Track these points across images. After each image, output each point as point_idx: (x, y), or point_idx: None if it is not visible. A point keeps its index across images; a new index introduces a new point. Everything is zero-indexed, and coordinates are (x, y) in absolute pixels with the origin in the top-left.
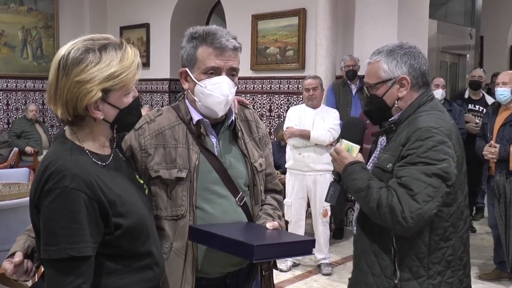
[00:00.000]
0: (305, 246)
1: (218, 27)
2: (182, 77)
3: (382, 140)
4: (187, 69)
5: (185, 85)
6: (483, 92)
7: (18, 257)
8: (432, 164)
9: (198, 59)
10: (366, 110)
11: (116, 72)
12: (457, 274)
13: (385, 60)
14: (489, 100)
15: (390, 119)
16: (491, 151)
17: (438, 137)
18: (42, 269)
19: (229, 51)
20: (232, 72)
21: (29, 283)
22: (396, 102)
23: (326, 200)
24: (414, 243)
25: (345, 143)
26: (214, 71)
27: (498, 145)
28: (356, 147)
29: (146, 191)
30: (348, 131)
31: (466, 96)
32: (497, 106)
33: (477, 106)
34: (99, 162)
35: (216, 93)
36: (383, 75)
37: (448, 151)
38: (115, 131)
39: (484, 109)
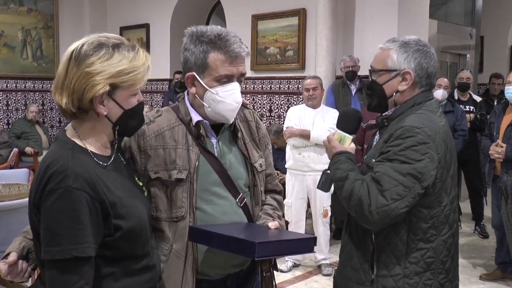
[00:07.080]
0: (306, 243)
1: (226, 30)
2: (189, 81)
3: (377, 137)
4: (195, 73)
5: (192, 90)
6: (470, 92)
7: (12, 257)
8: (407, 163)
9: (209, 65)
10: (367, 94)
11: (126, 69)
12: (438, 278)
13: (397, 50)
14: (477, 99)
15: (384, 114)
16: (497, 150)
17: (419, 137)
18: (39, 270)
19: (241, 57)
20: (241, 78)
21: (28, 284)
22: (394, 94)
23: (317, 187)
24: (392, 240)
25: (338, 133)
26: (227, 79)
27: (504, 145)
28: (349, 137)
29: (145, 194)
30: (343, 121)
31: (456, 97)
32: (504, 105)
33: (467, 107)
34: (101, 163)
35: (229, 100)
36: (390, 64)
37: (427, 151)
38: (116, 133)
39: (474, 108)
